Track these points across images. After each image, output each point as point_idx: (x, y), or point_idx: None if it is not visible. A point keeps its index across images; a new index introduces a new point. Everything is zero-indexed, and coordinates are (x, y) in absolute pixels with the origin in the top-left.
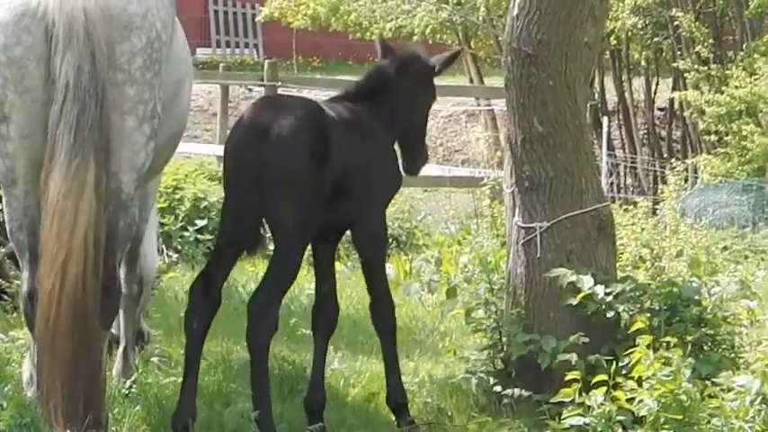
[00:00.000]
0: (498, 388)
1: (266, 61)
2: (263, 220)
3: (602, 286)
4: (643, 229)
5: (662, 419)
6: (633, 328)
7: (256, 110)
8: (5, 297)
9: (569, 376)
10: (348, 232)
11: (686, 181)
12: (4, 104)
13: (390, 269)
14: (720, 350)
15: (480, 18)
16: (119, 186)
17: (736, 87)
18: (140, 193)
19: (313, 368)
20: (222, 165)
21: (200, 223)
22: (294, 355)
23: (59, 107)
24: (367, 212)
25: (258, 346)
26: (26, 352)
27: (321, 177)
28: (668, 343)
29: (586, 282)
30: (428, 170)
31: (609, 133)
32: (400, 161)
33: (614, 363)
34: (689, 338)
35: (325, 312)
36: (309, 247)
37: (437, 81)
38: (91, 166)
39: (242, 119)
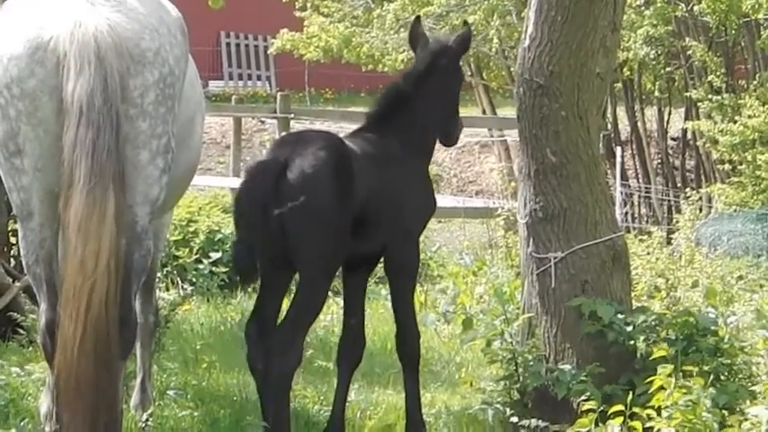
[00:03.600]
0: (515, 419)
1: (279, 93)
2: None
3: (622, 316)
4: (658, 259)
5: None
6: (654, 356)
7: (278, 147)
8: (21, 331)
9: (586, 406)
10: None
11: (701, 210)
12: (17, 137)
13: None
14: (737, 380)
15: (492, 49)
16: (133, 219)
17: (750, 117)
18: (155, 225)
19: (335, 400)
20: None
21: (215, 256)
22: (310, 387)
23: (74, 132)
24: (400, 241)
25: (282, 378)
26: (42, 386)
27: (345, 211)
28: (685, 372)
29: (607, 312)
30: (442, 201)
31: (622, 163)
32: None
33: (631, 393)
34: (706, 368)
35: (352, 345)
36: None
37: None
38: (111, 192)
39: (264, 156)
